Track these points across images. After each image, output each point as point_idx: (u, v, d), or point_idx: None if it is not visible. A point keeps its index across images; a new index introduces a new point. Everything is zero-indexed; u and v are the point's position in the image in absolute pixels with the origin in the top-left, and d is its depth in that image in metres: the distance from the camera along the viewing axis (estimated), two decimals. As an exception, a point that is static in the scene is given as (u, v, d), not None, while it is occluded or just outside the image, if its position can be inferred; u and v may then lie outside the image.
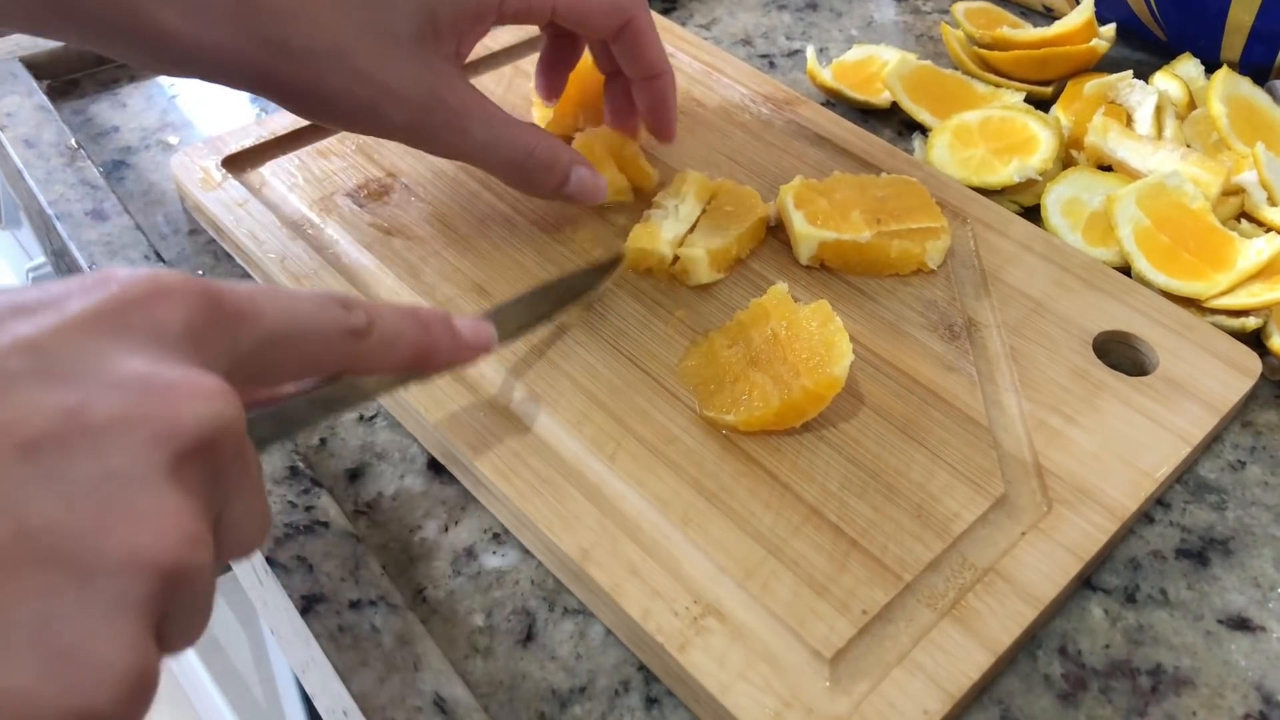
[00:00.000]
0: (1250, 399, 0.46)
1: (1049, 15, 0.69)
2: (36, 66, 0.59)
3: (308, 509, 0.39)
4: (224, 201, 0.50)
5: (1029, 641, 0.38)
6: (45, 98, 0.57)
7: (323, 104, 0.42)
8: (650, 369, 0.43)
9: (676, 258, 0.46)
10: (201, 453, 0.23)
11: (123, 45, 0.40)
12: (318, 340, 0.29)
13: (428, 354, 0.34)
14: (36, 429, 0.21)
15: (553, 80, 0.52)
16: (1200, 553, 0.41)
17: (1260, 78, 0.61)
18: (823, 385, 0.40)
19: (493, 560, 0.39)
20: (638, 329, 0.45)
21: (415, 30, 0.42)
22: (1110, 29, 0.63)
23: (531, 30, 0.62)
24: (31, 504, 0.21)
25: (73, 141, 0.54)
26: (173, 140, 0.57)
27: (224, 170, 0.51)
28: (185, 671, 1.30)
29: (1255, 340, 0.48)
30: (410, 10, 0.41)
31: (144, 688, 0.22)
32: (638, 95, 0.50)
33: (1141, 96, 0.55)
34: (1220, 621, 0.39)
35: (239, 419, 0.25)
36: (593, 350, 0.44)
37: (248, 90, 0.42)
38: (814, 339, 0.41)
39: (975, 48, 0.64)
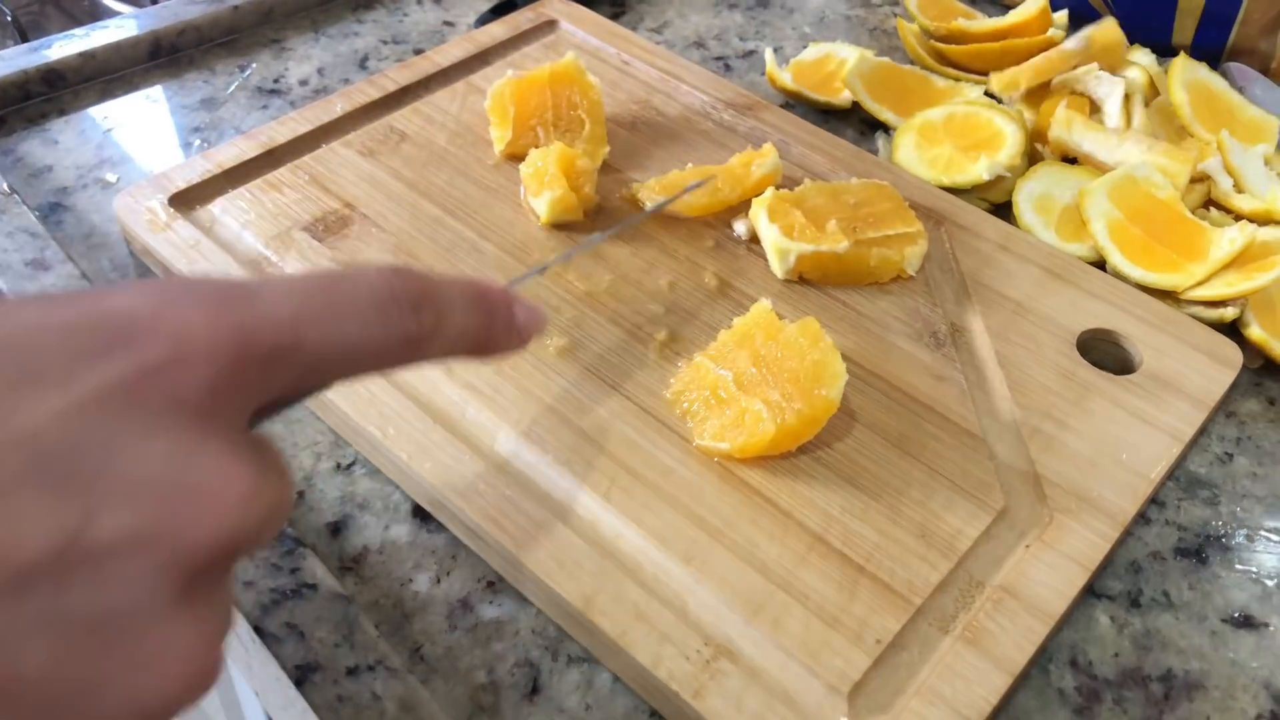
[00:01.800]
0: (1231, 388, 0.46)
1: (1000, 4, 0.69)
2: (-43, 105, 0.56)
3: (293, 571, 0.37)
4: (174, 243, 0.47)
5: (1040, 655, 0.37)
6: (-30, 138, 0.54)
7: None
8: (637, 397, 0.42)
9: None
10: (218, 564, 0.21)
11: None
12: (371, 356, 0.25)
13: (485, 347, 0.29)
14: (31, 556, 0.18)
15: None
16: (1198, 550, 0.41)
17: (1212, 61, 0.61)
18: (818, 408, 0.39)
19: (490, 610, 0.38)
20: (619, 356, 0.44)
21: None
22: (1063, 15, 0.63)
23: (482, 43, 0.60)
24: (26, 649, 0.18)
25: (5, 186, 0.51)
26: (111, 178, 0.54)
27: (171, 209, 0.49)
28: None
29: (1232, 330, 0.48)
30: None
31: None
32: None
33: (1109, 88, 0.55)
34: (1224, 620, 0.39)
35: (268, 519, 0.21)
36: (574, 380, 0.43)
37: None
38: (804, 359, 0.40)
39: (931, 41, 0.63)
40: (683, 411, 0.41)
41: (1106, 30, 0.56)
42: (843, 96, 0.60)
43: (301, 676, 0.35)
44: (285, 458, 0.24)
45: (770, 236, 0.47)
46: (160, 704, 0.20)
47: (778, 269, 0.47)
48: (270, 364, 0.22)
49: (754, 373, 0.40)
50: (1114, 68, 0.53)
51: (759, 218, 0.47)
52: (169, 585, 0.20)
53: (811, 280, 0.48)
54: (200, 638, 0.20)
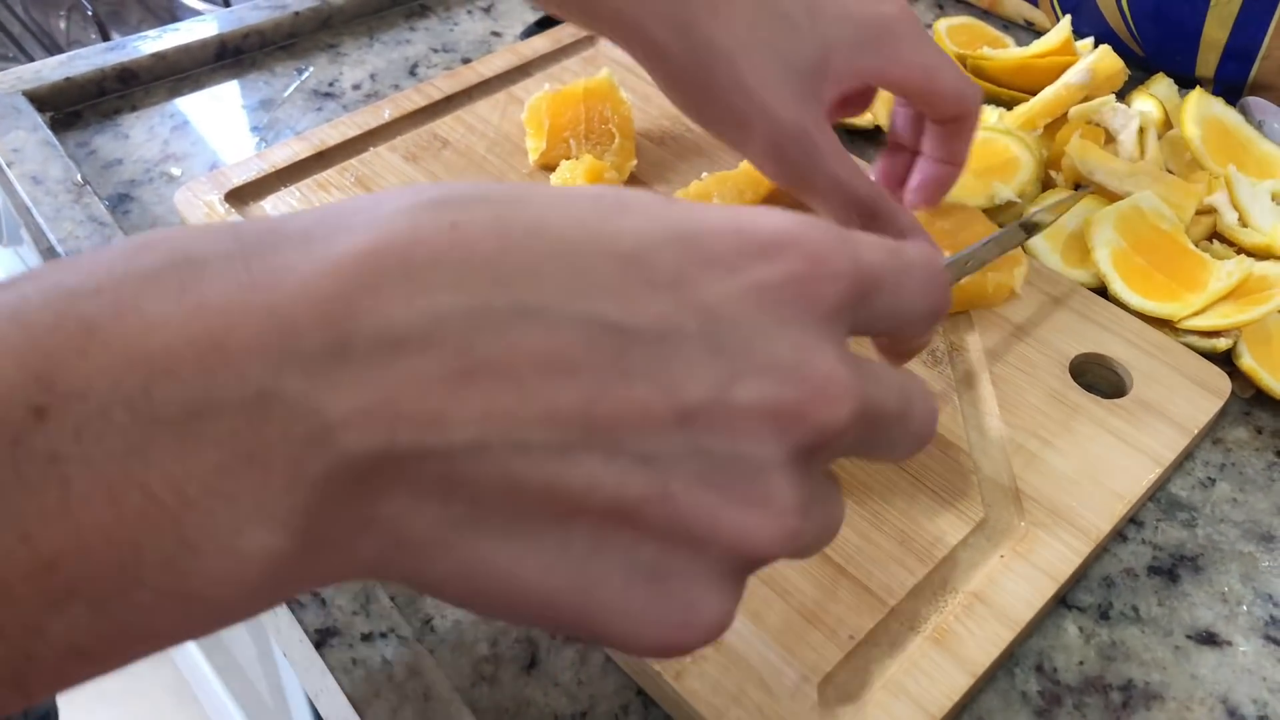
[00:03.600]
0: (1221, 416, 0.48)
1: (1030, 29, 0.71)
2: (39, 99, 0.61)
3: (319, 544, 0.41)
4: (228, 237, 0.51)
5: (1007, 660, 0.40)
6: (49, 131, 0.58)
7: (700, 99, 0.44)
8: (644, 400, 0.45)
9: None
10: (821, 445, 0.24)
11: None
12: (908, 319, 0.28)
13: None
14: (694, 398, 0.22)
15: (889, 173, 0.51)
16: (1171, 569, 0.43)
17: (1233, 94, 0.62)
18: None
19: (497, 590, 0.41)
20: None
21: (809, 65, 0.43)
22: (1088, 44, 0.64)
23: (525, 55, 0.63)
24: (676, 468, 0.22)
25: (79, 177, 0.56)
26: (175, 172, 0.59)
27: (227, 205, 0.53)
28: (189, 666, 1.32)
29: (1225, 359, 0.49)
30: (813, 45, 0.43)
31: (717, 637, 0.24)
32: (920, 171, 0.49)
33: (1125, 120, 0.57)
34: (1189, 637, 0.41)
35: (862, 414, 0.25)
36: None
37: (639, 59, 0.44)
38: None
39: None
40: None
41: (1106, 61, 0.58)
42: (868, 118, 0.62)
43: (321, 640, 0.38)
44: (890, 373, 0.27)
45: None
46: (754, 546, 0.23)
47: None
48: (862, 299, 0.26)
49: None
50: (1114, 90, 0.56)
51: None
52: (782, 449, 0.23)
53: None
54: (797, 501, 0.24)
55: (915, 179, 0.49)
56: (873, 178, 0.48)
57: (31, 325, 0.19)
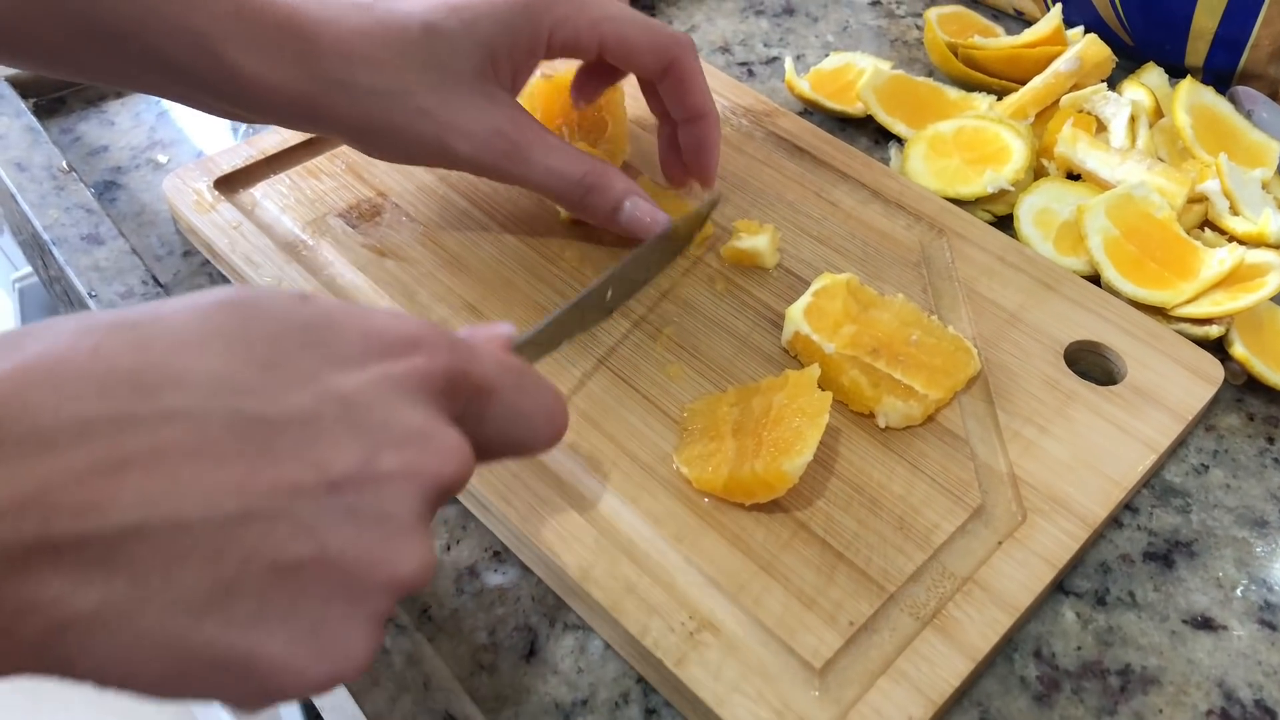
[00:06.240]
0: (1213, 404, 0.48)
1: (1020, 19, 0.71)
2: (22, 85, 0.60)
3: (315, 533, 0.41)
4: (218, 224, 0.51)
5: (1006, 645, 0.40)
6: (33, 118, 0.58)
7: (389, 140, 0.45)
8: (641, 386, 0.45)
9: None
10: (444, 497, 0.29)
11: (199, 91, 0.43)
12: (524, 429, 0.33)
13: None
14: (341, 471, 0.26)
15: (587, 89, 0.53)
16: (1166, 555, 0.43)
17: (1223, 83, 0.63)
18: (771, 475, 0.39)
19: (494, 578, 0.41)
20: (628, 347, 0.47)
21: (474, 67, 0.44)
22: (1078, 33, 0.64)
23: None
24: (332, 531, 0.26)
25: (64, 164, 0.55)
26: (162, 159, 0.58)
27: (216, 192, 0.52)
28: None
29: (1218, 347, 0.50)
30: (468, 49, 0.44)
31: (369, 667, 0.28)
32: (681, 137, 0.50)
33: (1116, 108, 0.57)
34: (1185, 621, 0.41)
35: (471, 468, 0.30)
36: (585, 368, 0.45)
37: (317, 132, 0.46)
38: (791, 426, 0.41)
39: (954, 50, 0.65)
40: (682, 425, 0.43)
41: (1093, 49, 0.58)
42: (858, 106, 0.62)
43: (318, 629, 0.38)
44: None
45: (794, 306, 0.47)
46: (407, 581, 0.27)
47: (782, 336, 0.48)
48: (468, 393, 0.31)
49: (751, 420, 0.42)
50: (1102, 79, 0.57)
51: (801, 306, 0.47)
52: (419, 503, 0.28)
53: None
54: (430, 542, 0.29)
55: (684, 149, 0.51)
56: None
57: None
